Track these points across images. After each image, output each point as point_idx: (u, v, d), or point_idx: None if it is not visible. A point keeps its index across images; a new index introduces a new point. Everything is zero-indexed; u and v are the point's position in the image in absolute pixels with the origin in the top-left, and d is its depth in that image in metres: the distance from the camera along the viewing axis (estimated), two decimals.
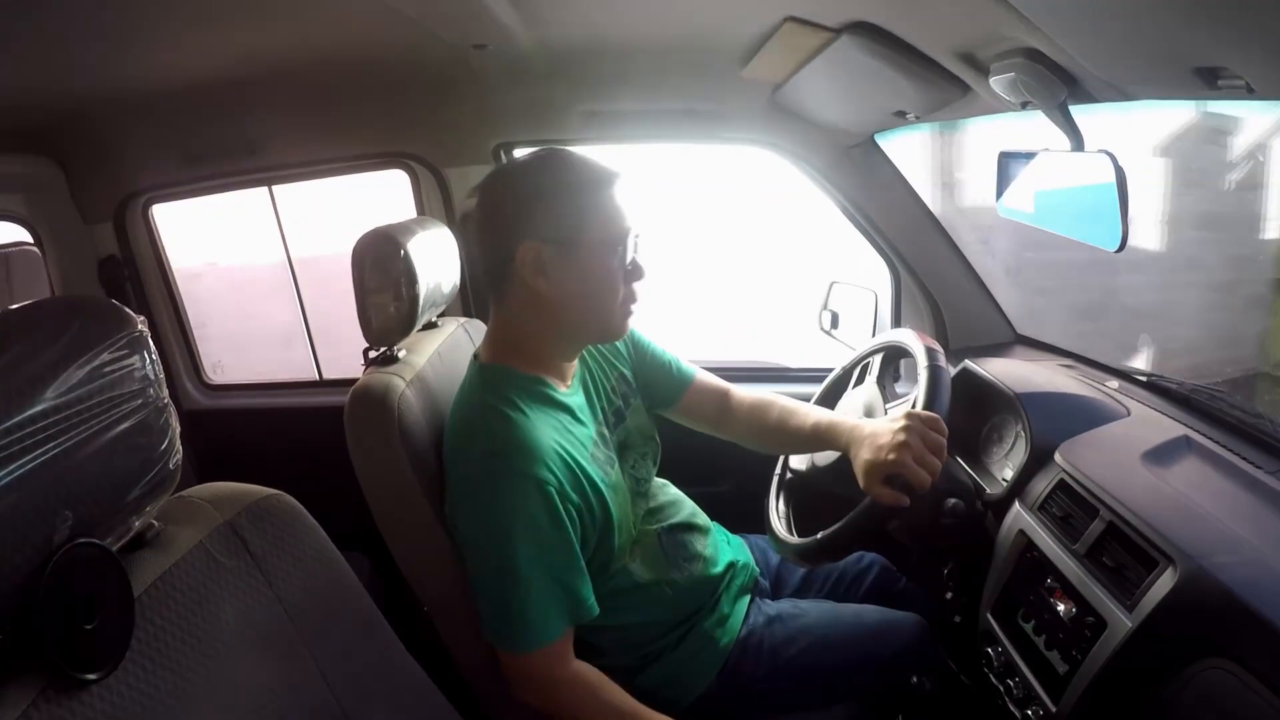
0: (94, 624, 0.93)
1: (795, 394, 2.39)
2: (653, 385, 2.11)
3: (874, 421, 1.79)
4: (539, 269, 1.66)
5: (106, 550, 0.95)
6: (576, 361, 1.87)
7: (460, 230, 1.83)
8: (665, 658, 1.88)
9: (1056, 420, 1.91)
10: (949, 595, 2.01)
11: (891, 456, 1.66)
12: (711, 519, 2.14)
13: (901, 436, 1.66)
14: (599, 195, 1.68)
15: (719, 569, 2.00)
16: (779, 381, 2.89)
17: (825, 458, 1.98)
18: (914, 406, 1.77)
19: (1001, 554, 1.83)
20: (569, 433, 1.74)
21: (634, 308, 1.78)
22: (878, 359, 2.12)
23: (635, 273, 1.74)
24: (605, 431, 1.88)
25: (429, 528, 1.69)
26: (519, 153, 2.81)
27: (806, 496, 2.06)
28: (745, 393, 2.17)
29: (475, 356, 1.83)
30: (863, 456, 1.72)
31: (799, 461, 2.12)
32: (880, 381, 2.04)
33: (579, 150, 1.74)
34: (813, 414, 1.99)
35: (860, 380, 2.16)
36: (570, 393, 1.81)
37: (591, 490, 1.71)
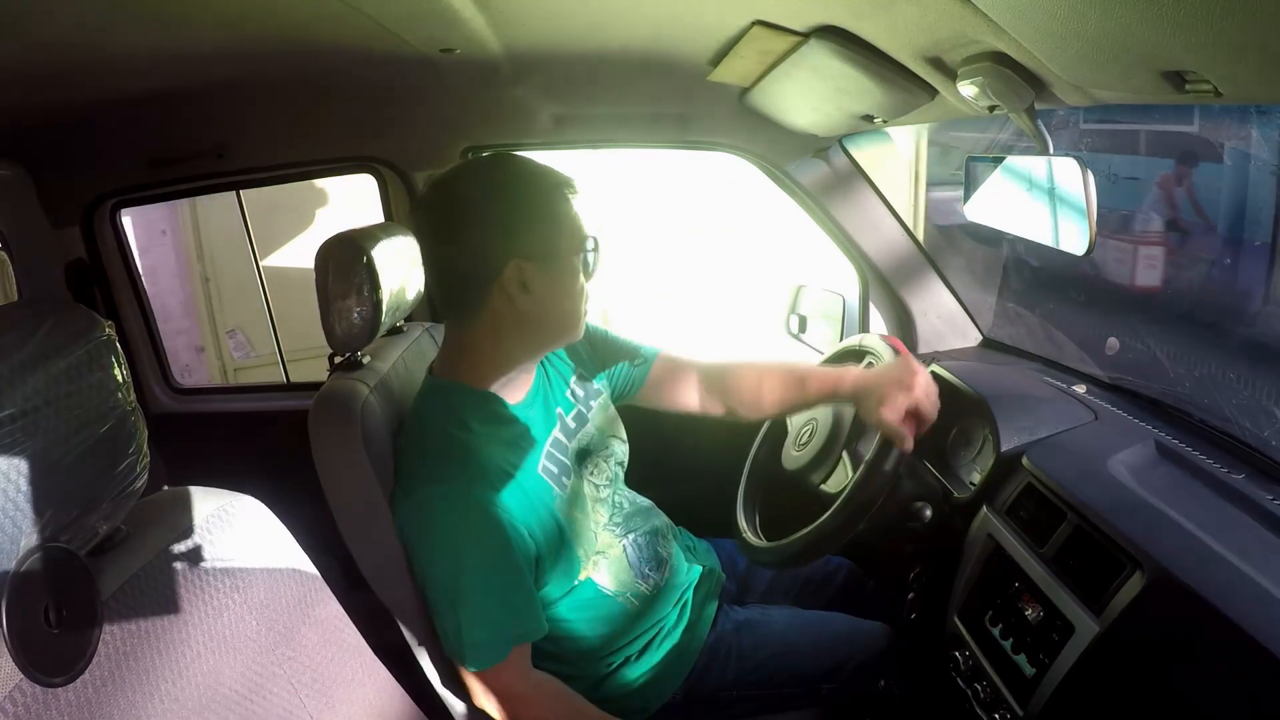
0: (60, 628, 0.92)
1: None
2: (615, 374, 2.11)
3: (870, 371, 1.91)
4: (523, 286, 1.66)
5: (73, 554, 0.95)
6: (533, 371, 1.86)
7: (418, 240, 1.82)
8: (631, 665, 1.87)
9: (1024, 423, 1.91)
10: (912, 596, 2.02)
11: (905, 395, 1.76)
12: (677, 523, 2.14)
13: (913, 376, 1.79)
14: (566, 204, 1.70)
15: (685, 576, 2.00)
16: None
17: (797, 460, 1.98)
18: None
19: (969, 558, 1.83)
20: (519, 448, 1.74)
21: (588, 306, 1.80)
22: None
23: (589, 273, 1.76)
24: (562, 439, 1.87)
25: (391, 533, 1.68)
26: (488, 157, 2.80)
27: (775, 500, 2.06)
28: (714, 362, 2.18)
29: (430, 370, 1.83)
30: (878, 393, 1.79)
31: (768, 469, 2.12)
32: None
33: (538, 157, 1.76)
34: (806, 376, 2.02)
35: None
36: (524, 405, 1.81)
37: (543, 506, 1.71)
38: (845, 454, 1.90)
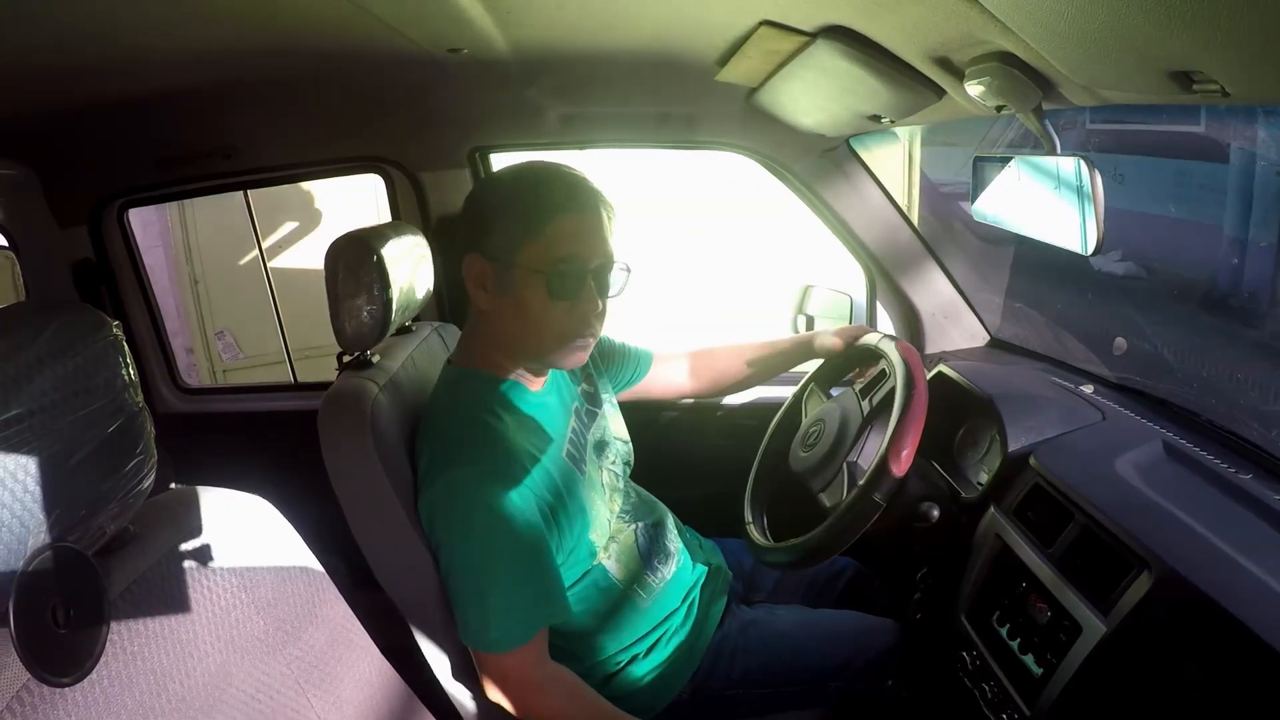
0: (68, 628, 0.91)
1: (771, 396, 2.40)
2: (615, 375, 2.18)
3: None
4: (480, 283, 1.70)
5: (81, 554, 0.94)
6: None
7: (440, 238, 1.83)
8: (639, 663, 1.87)
9: (1031, 424, 1.91)
10: (918, 596, 2.02)
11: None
12: (685, 523, 2.15)
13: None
14: (544, 220, 1.67)
15: (693, 573, 2.00)
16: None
17: (803, 461, 1.98)
18: (891, 421, 1.77)
19: (976, 558, 1.83)
20: (543, 434, 1.76)
21: (582, 341, 1.75)
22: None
23: (585, 305, 1.71)
24: (579, 428, 1.89)
25: (402, 531, 1.68)
26: (495, 156, 2.82)
27: (780, 501, 2.06)
28: (701, 348, 2.34)
29: (449, 361, 1.84)
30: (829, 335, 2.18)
31: (776, 463, 2.13)
32: (860, 389, 2.04)
33: (567, 163, 1.75)
34: (778, 341, 2.30)
35: (836, 384, 2.17)
36: (543, 393, 1.83)
37: (566, 490, 1.72)
38: (845, 467, 1.90)
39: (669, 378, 2.30)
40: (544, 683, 1.69)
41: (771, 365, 2.30)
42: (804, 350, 2.24)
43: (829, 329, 2.26)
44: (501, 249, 1.67)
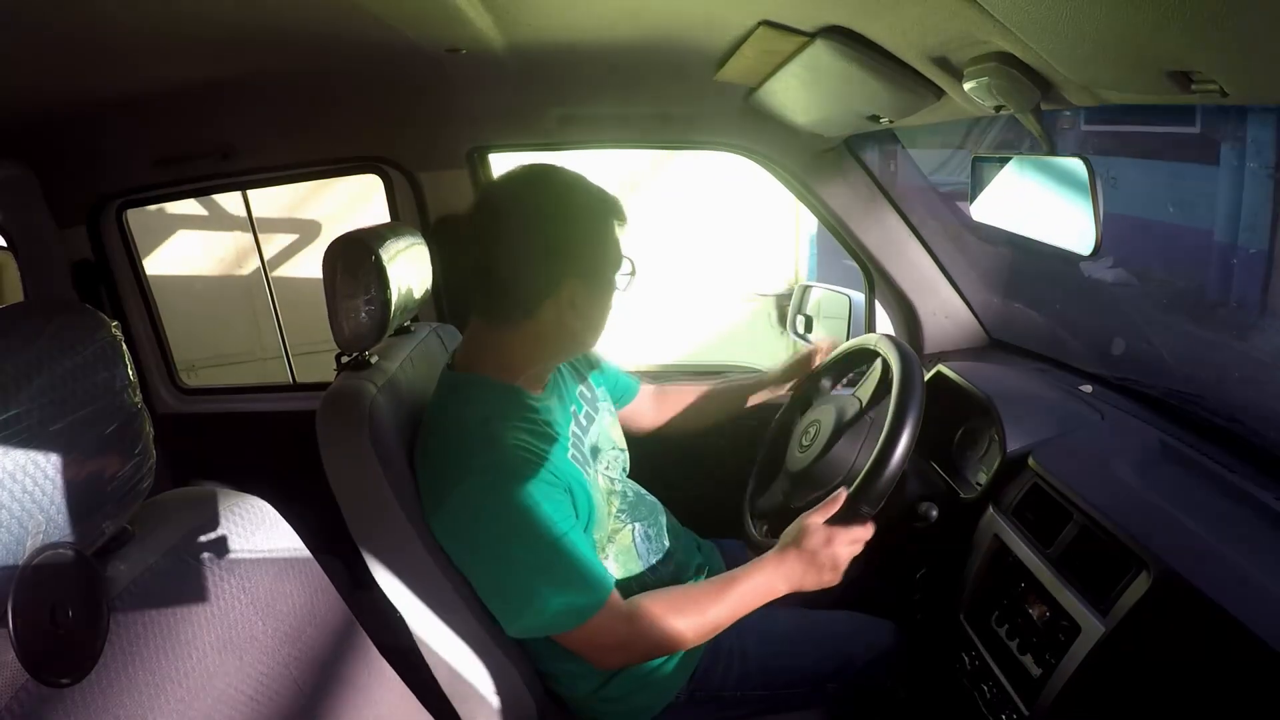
0: (67, 629, 0.91)
1: (768, 397, 2.39)
2: (612, 390, 2.20)
3: None
4: (572, 303, 1.70)
5: (80, 554, 0.94)
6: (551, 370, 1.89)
7: (441, 239, 1.82)
8: (635, 664, 1.87)
9: (1030, 424, 1.91)
10: (916, 597, 2.02)
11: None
12: (683, 523, 2.15)
13: None
14: (610, 227, 1.76)
15: (690, 574, 2.00)
16: None
17: (800, 461, 1.98)
18: (887, 413, 1.77)
19: (975, 558, 1.83)
20: (548, 436, 1.75)
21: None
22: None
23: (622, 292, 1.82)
24: (579, 432, 1.89)
25: (401, 531, 1.69)
26: (494, 156, 2.81)
27: (781, 501, 2.06)
28: (664, 387, 2.42)
29: (449, 366, 1.83)
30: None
31: (774, 465, 2.12)
32: (854, 386, 2.04)
33: (545, 157, 1.78)
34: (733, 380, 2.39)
35: (834, 384, 2.16)
36: (544, 397, 1.83)
37: (576, 487, 1.72)
38: (851, 454, 1.89)
39: (644, 410, 2.35)
40: (633, 614, 1.68)
41: (732, 401, 2.40)
42: (759, 382, 2.37)
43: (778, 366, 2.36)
44: (593, 264, 1.73)
